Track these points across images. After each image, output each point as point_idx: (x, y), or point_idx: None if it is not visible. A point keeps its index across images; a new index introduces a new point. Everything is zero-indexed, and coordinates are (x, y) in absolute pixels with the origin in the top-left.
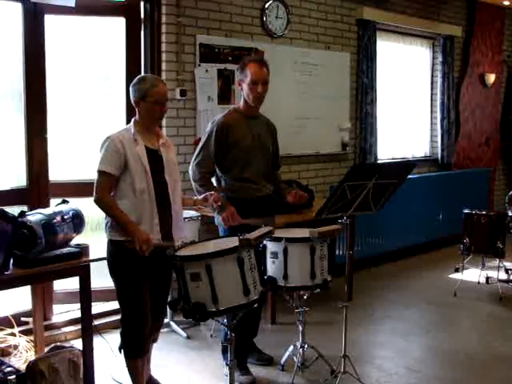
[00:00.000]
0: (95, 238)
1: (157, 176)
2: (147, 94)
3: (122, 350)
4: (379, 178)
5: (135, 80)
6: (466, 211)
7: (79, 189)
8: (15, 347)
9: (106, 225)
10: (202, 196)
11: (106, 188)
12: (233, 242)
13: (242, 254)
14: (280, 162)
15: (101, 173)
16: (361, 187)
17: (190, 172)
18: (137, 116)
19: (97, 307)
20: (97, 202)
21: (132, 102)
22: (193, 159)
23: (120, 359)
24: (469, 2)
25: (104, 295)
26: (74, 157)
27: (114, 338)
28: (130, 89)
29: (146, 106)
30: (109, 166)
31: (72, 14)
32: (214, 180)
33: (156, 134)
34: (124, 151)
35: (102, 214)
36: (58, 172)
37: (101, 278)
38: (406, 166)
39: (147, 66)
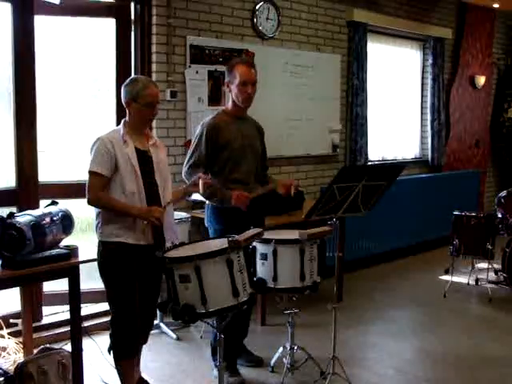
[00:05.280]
0: (85, 240)
1: (147, 177)
2: (139, 95)
3: (112, 352)
4: (369, 180)
5: (127, 81)
6: (456, 213)
7: (69, 190)
8: (4, 349)
9: (97, 226)
10: (191, 181)
11: (98, 188)
12: (222, 243)
13: (231, 255)
14: (268, 164)
15: (92, 173)
16: (350, 189)
17: (184, 175)
18: (127, 117)
19: (86, 309)
20: (91, 202)
21: (123, 102)
22: (185, 163)
23: (109, 361)
24: (459, 5)
25: (94, 297)
26: (64, 158)
27: (104, 339)
28: (122, 89)
29: (136, 107)
30: (100, 167)
31: (62, 14)
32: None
33: (146, 134)
34: (114, 152)
35: (92, 215)
36: (47, 173)
37: (91, 279)
38: (396, 167)
39: (137, 67)
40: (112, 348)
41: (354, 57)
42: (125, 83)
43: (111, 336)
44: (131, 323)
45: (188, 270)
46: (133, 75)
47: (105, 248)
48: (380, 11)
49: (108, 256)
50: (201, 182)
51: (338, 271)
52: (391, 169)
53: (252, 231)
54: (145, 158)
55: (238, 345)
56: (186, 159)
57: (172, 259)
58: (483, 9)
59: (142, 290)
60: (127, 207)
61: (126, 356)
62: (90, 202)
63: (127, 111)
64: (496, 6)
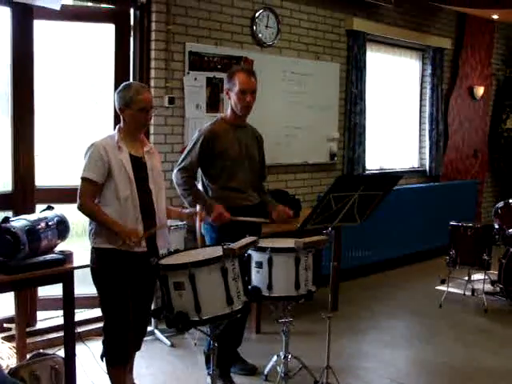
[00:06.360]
0: (80, 244)
1: (141, 184)
2: (132, 101)
3: (104, 358)
4: (365, 190)
5: (120, 87)
6: (453, 223)
7: (66, 195)
8: None
9: (90, 232)
10: (188, 211)
11: (89, 195)
12: (217, 251)
13: (225, 263)
14: (266, 173)
15: (84, 180)
16: (346, 198)
17: (174, 177)
18: (121, 123)
19: (81, 314)
20: (80, 208)
21: (117, 109)
22: (176, 165)
23: (103, 367)
24: (459, 15)
25: (89, 302)
26: (61, 162)
27: (98, 345)
28: (115, 96)
29: (130, 113)
30: (92, 173)
31: (61, 19)
32: (200, 186)
33: (140, 141)
34: (108, 158)
35: (88, 220)
36: (44, 177)
37: (86, 284)
38: (392, 177)
39: (136, 73)
40: (104, 354)
41: (353, 65)
42: (118, 90)
43: (104, 343)
44: (124, 330)
45: (182, 278)
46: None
47: (98, 254)
48: (379, 20)
49: (101, 262)
50: (198, 219)
51: (332, 281)
52: (388, 179)
53: (247, 239)
54: (139, 165)
55: (231, 353)
56: (178, 162)
57: (166, 266)
58: (483, 20)
59: (135, 296)
60: (110, 223)
61: (118, 363)
62: (79, 208)
63: (121, 117)
64: (495, 17)
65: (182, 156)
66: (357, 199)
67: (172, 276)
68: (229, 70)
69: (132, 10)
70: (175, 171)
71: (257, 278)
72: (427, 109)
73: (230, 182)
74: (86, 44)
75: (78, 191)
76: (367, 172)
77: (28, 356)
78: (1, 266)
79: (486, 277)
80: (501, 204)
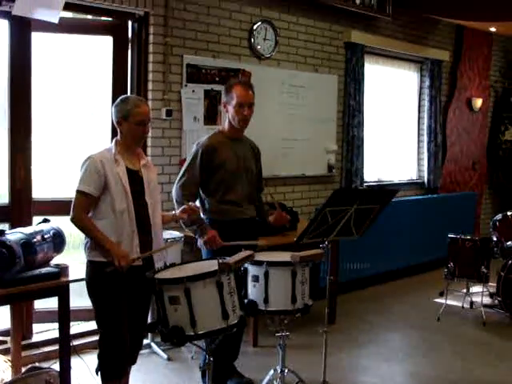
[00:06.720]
0: (77, 257)
1: (137, 197)
2: (130, 114)
3: (99, 372)
4: (361, 204)
5: (118, 100)
6: (451, 236)
7: (63, 207)
8: None
9: (86, 245)
10: (181, 209)
11: (83, 208)
12: (213, 265)
13: (221, 277)
14: (263, 185)
15: (79, 192)
16: (342, 212)
17: (174, 193)
18: (118, 136)
19: (78, 327)
20: (73, 221)
21: (114, 122)
22: (177, 180)
23: (98, 381)
24: (457, 27)
25: (85, 315)
26: (58, 175)
27: (93, 358)
28: (112, 109)
29: (128, 126)
30: (88, 186)
31: (59, 31)
32: (197, 203)
33: (137, 154)
34: (104, 171)
35: None
36: (41, 190)
37: (82, 297)
38: (389, 191)
39: (133, 86)
40: (99, 368)
41: (351, 78)
42: (115, 103)
43: (99, 356)
44: (119, 344)
45: (178, 292)
46: (124, 95)
47: (93, 267)
48: (377, 33)
49: (96, 276)
50: (188, 209)
51: (329, 295)
52: (384, 193)
53: (243, 253)
54: (136, 178)
55: (228, 367)
56: (178, 177)
57: (162, 280)
58: (481, 32)
59: (131, 310)
60: (102, 239)
61: (113, 377)
62: (72, 220)
63: (118, 130)
64: (493, 29)
65: (182, 171)
66: (353, 213)
67: (167, 290)
68: (226, 83)
69: (130, 23)
70: (176, 187)
71: (253, 291)
72: (425, 121)
73: (228, 195)
74: (84, 56)
75: (72, 203)
76: (365, 184)
77: (23, 369)
78: None
79: (485, 289)
80: (499, 216)
